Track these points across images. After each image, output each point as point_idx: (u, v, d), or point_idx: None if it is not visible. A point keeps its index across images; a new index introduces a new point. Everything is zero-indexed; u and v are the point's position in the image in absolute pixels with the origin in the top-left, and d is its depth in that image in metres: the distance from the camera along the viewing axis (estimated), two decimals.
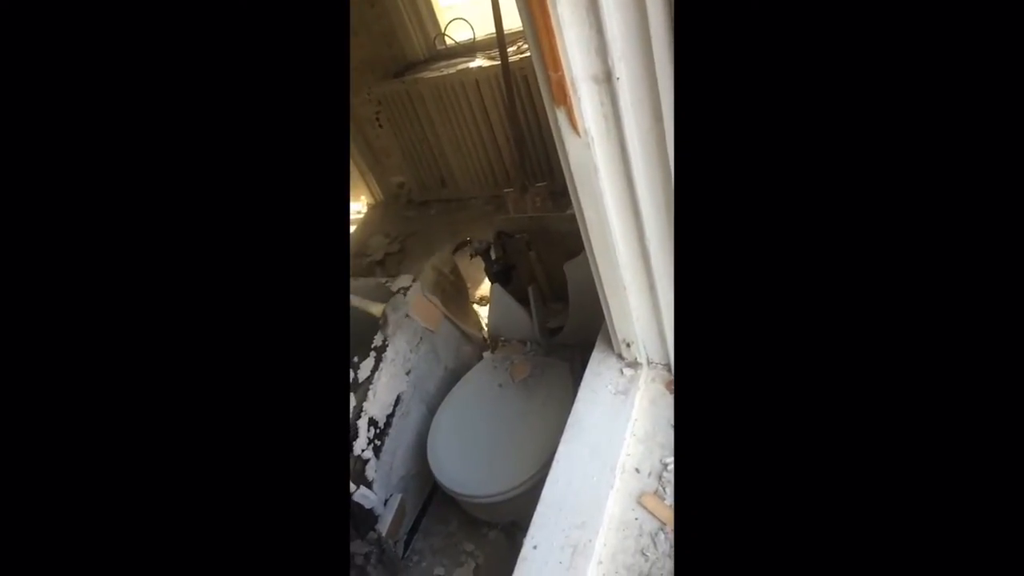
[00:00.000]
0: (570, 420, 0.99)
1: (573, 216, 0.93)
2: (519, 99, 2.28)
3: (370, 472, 1.36)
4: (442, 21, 2.69)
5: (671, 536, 0.80)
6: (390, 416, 1.44)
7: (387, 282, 1.78)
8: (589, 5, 0.68)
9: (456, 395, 1.51)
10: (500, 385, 1.51)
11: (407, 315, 1.56)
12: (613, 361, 1.07)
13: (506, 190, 2.07)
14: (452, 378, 1.61)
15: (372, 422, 1.39)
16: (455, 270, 1.79)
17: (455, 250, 1.70)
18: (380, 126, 2.88)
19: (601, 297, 0.99)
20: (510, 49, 2.18)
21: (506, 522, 1.44)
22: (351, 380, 1.42)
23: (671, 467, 0.88)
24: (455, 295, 1.71)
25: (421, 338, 1.58)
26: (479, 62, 2.47)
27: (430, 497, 1.56)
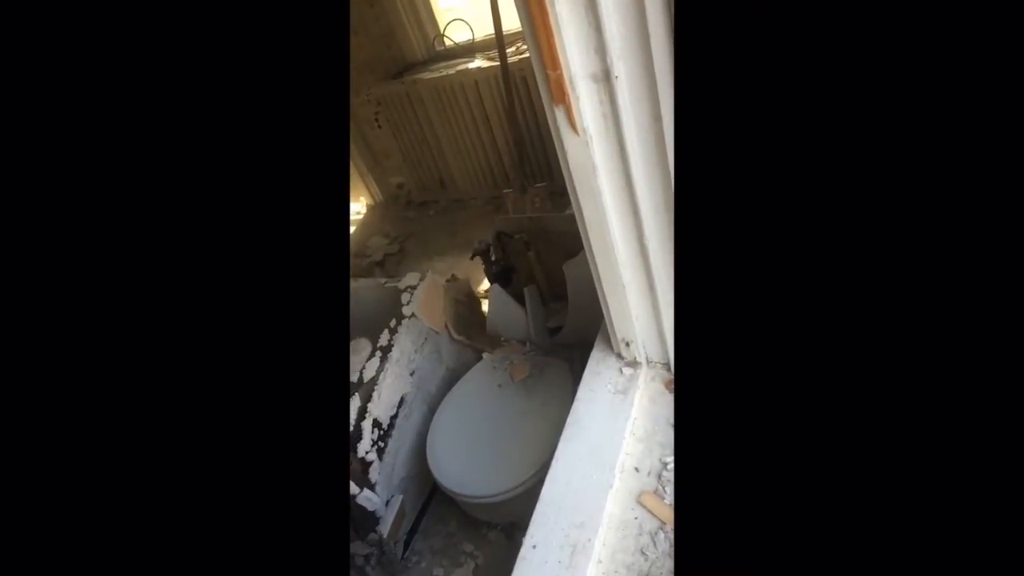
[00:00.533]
0: (569, 419, 0.99)
1: (572, 216, 0.93)
2: (518, 100, 2.29)
3: (374, 474, 1.36)
4: (441, 22, 2.70)
5: (671, 535, 0.80)
6: (393, 418, 1.44)
7: (386, 282, 1.78)
8: (588, 3, 0.68)
9: (455, 395, 1.51)
10: (499, 385, 1.50)
11: (413, 315, 1.56)
12: (612, 360, 1.07)
13: (505, 190, 2.07)
14: (453, 378, 1.60)
15: (376, 423, 1.39)
16: (470, 293, 1.78)
17: (472, 256, 1.70)
18: (379, 127, 2.89)
19: (600, 296, 0.99)
20: (509, 50, 2.18)
21: (506, 522, 1.44)
22: (357, 380, 1.41)
23: (670, 466, 0.88)
24: (470, 318, 1.71)
25: (426, 338, 1.58)
26: (478, 63, 2.47)
27: (429, 498, 1.56)
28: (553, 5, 0.68)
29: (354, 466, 1.32)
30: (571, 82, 0.74)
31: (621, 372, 1.05)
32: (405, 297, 1.62)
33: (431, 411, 1.52)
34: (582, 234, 0.92)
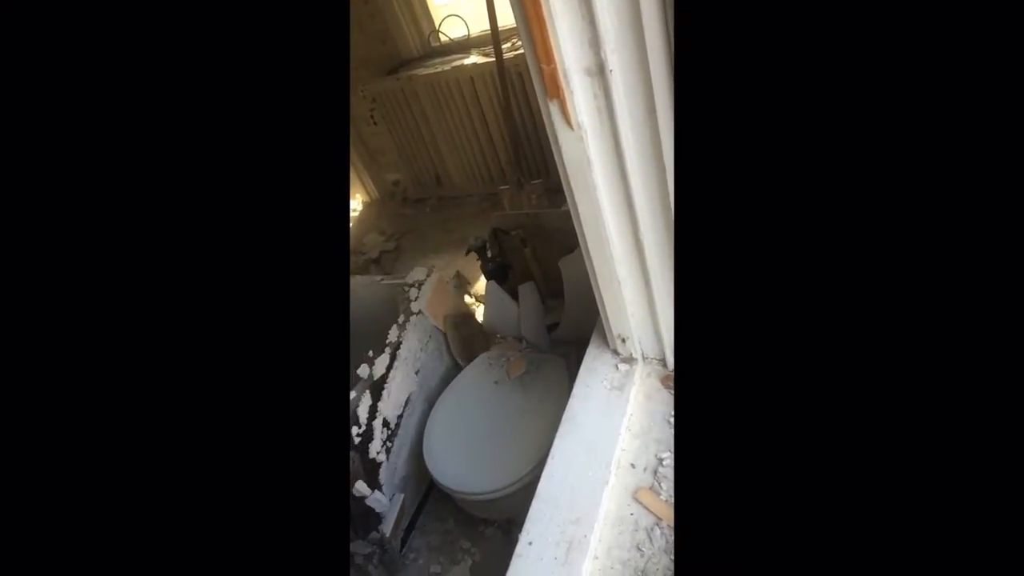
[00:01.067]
0: (565, 416, 0.99)
1: (568, 212, 0.93)
2: (514, 96, 2.28)
3: (382, 475, 1.36)
4: (436, 18, 2.68)
5: (667, 531, 0.80)
6: (400, 417, 1.44)
7: (382, 279, 1.77)
8: None
9: (452, 392, 1.50)
10: (496, 382, 1.50)
11: (420, 312, 1.55)
12: (608, 357, 1.07)
13: (501, 187, 2.07)
14: (451, 376, 1.60)
15: (385, 423, 1.39)
16: (467, 314, 1.77)
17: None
18: (375, 123, 2.87)
19: (596, 292, 0.99)
20: (504, 46, 2.17)
21: (502, 519, 1.43)
22: (367, 377, 1.40)
23: (667, 462, 0.88)
24: (469, 333, 1.70)
25: (430, 336, 1.57)
26: (474, 59, 2.46)
27: (426, 495, 1.55)
28: None
29: (359, 467, 1.31)
30: (565, 76, 0.73)
31: (617, 368, 1.04)
32: (413, 293, 1.61)
33: (431, 408, 1.52)
34: (577, 230, 0.92)
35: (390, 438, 1.40)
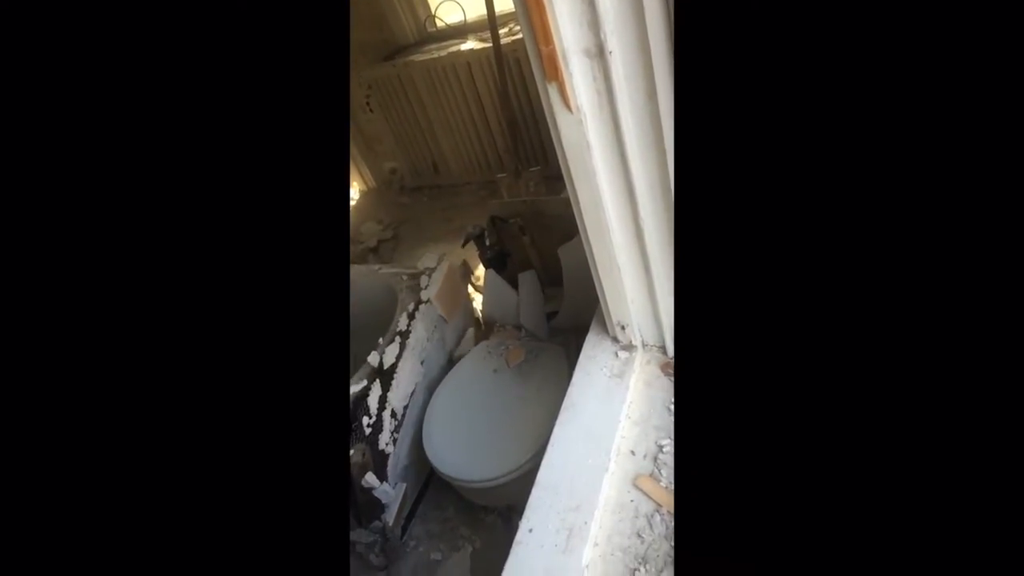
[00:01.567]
0: (565, 404, 0.99)
1: (567, 199, 0.92)
2: (511, 82, 2.25)
3: (388, 465, 1.35)
4: (432, 3, 2.64)
5: (667, 518, 0.80)
6: (406, 407, 1.43)
7: (380, 268, 1.76)
8: None
9: (451, 381, 1.50)
10: (495, 370, 1.50)
11: (429, 301, 1.54)
12: (608, 344, 1.06)
13: (499, 175, 2.05)
14: (451, 366, 1.60)
15: (393, 414, 1.38)
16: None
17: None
18: (371, 110, 2.84)
19: (595, 279, 0.98)
20: (502, 31, 2.14)
21: (502, 506, 1.44)
22: (377, 365, 1.39)
23: (667, 449, 0.88)
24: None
25: (436, 326, 1.56)
26: (470, 44, 2.42)
27: (427, 483, 1.56)
28: None
29: (369, 459, 1.31)
30: (564, 58, 0.72)
31: (617, 356, 1.04)
32: (423, 280, 1.59)
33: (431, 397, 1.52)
34: (576, 216, 0.90)
35: (397, 429, 1.39)
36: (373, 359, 1.40)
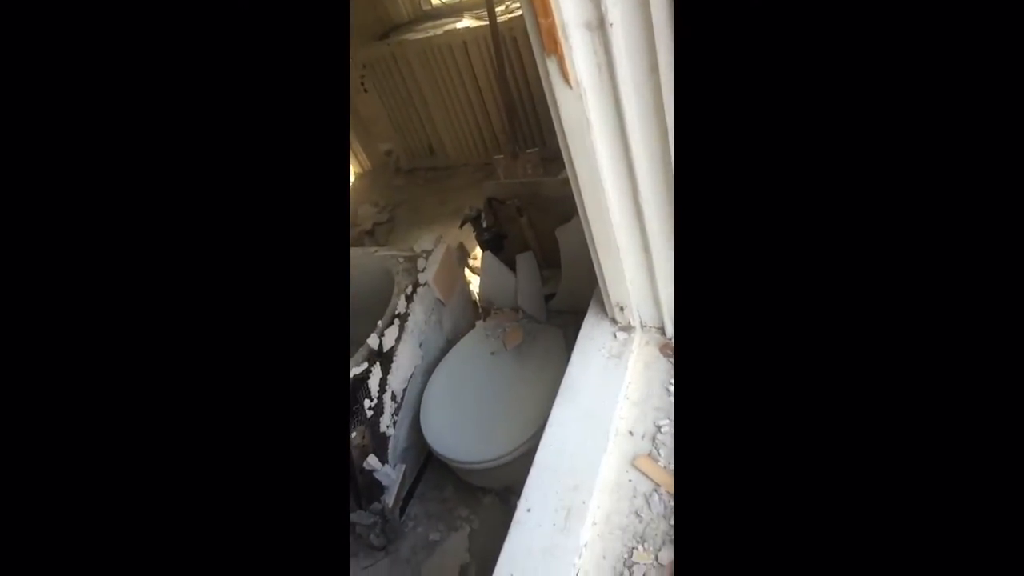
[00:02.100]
0: (563, 384, 0.98)
1: (565, 180, 0.90)
2: (508, 61, 2.21)
3: (390, 448, 1.35)
4: None
5: (665, 497, 0.80)
6: (405, 390, 1.43)
7: (376, 250, 1.74)
8: None
9: (448, 363, 1.50)
10: (493, 353, 1.49)
11: (426, 283, 1.53)
12: (606, 325, 1.06)
13: (496, 156, 2.02)
14: (449, 348, 1.59)
15: (393, 397, 1.38)
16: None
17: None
18: (365, 91, 2.80)
19: (594, 260, 0.97)
20: (498, 8, 2.10)
21: (500, 487, 1.45)
22: (377, 348, 1.39)
23: (665, 429, 0.88)
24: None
25: (433, 309, 1.56)
26: (466, 22, 2.38)
27: (425, 464, 1.56)
28: None
29: (371, 441, 1.31)
30: (563, 31, 0.70)
31: (615, 337, 1.03)
32: (420, 263, 1.58)
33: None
34: (575, 195, 0.89)
35: (397, 411, 1.39)
36: (373, 341, 1.39)
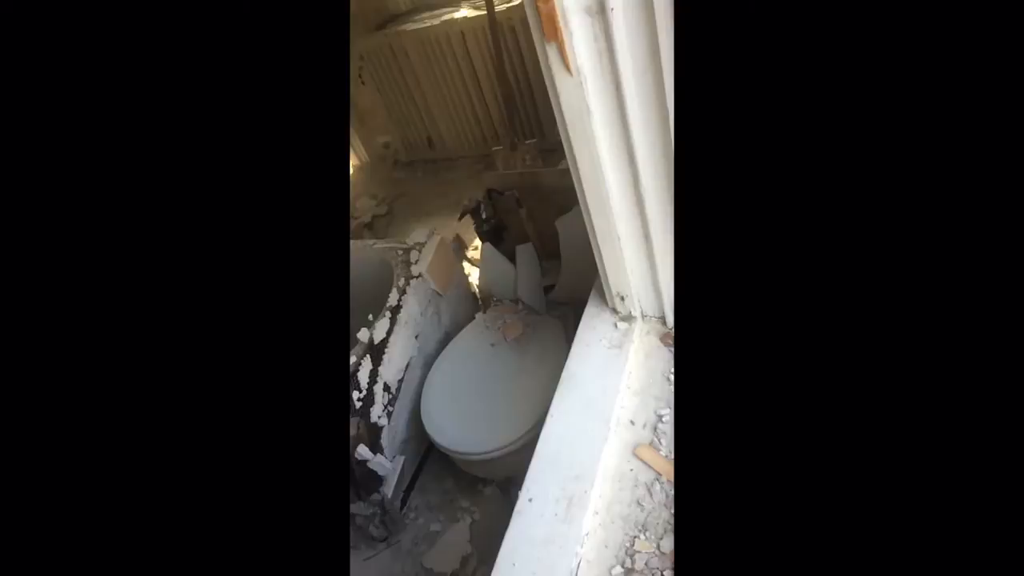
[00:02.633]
0: (564, 375, 0.98)
1: (565, 170, 0.89)
2: (507, 51, 2.20)
3: (383, 438, 1.35)
4: None
5: (667, 486, 0.80)
6: (400, 381, 1.43)
7: (375, 243, 1.73)
8: None
9: (448, 355, 1.49)
10: (493, 344, 1.49)
11: (420, 275, 1.52)
12: (607, 315, 1.05)
13: (495, 148, 2.01)
14: (449, 340, 1.59)
15: (386, 388, 1.38)
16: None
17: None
18: (363, 83, 2.78)
19: (594, 249, 0.96)
20: None
21: (501, 478, 1.45)
22: (367, 341, 1.39)
23: (666, 419, 0.88)
24: None
25: (429, 301, 1.55)
26: (464, 12, 2.36)
27: (426, 456, 1.56)
28: None
29: (363, 432, 1.31)
30: (564, 16, 0.69)
31: (616, 327, 1.03)
32: (413, 255, 1.58)
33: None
34: (575, 184, 0.88)
35: (391, 402, 1.39)
36: (363, 335, 1.39)
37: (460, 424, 1.32)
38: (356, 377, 1.33)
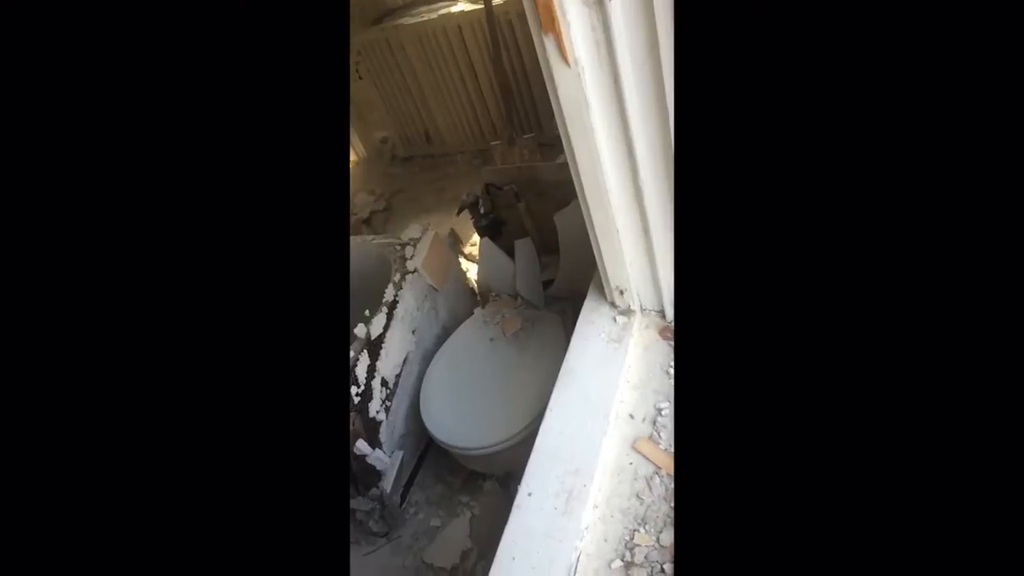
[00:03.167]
0: (563, 369, 0.98)
1: (563, 165, 0.89)
2: (504, 45, 2.18)
3: (382, 433, 1.35)
4: None
5: (666, 479, 0.80)
6: (398, 376, 1.43)
7: (373, 239, 1.73)
8: None
9: (447, 350, 1.49)
10: (491, 339, 1.49)
11: (416, 270, 1.52)
12: (606, 309, 1.05)
13: (493, 143, 2.00)
14: (447, 335, 1.59)
15: (384, 383, 1.38)
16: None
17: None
18: (360, 77, 2.77)
19: (593, 243, 0.96)
20: None
21: (501, 473, 1.45)
22: (364, 336, 1.38)
23: (665, 412, 0.87)
24: None
25: (426, 295, 1.55)
26: (461, 6, 2.35)
27: (425, 451, 1.56)
28: None
29: (360, 426, 1.31)
30: (561, 7, 0.68)
31: (615, 321, 1.03)
32: (408, 251, 1.58)
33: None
34: (574, 177, 0.88)
35: (389, 397, 1.39)
36: (360, 331, 1.39)
37: (459, 419, 1.32)
38: (354, 372, 1.33)
